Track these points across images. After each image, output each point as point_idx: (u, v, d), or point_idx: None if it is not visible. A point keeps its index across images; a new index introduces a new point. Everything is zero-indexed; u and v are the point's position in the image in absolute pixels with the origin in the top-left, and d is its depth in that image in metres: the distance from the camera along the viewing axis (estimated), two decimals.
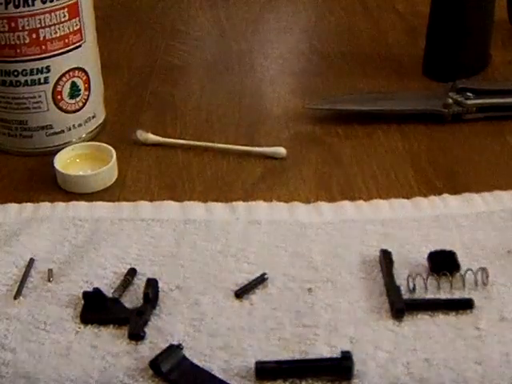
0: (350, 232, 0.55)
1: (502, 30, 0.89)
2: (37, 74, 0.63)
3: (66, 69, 0.64)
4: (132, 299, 0.49)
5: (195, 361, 0.44)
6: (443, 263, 0.50)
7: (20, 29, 0.60)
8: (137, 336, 0.45)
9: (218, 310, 0.48)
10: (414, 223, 0.55)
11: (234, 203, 0.58)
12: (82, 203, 0.59)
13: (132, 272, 0.51)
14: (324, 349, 0.44)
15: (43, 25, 0.61)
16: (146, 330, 0.46)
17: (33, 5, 0.60)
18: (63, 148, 0.64)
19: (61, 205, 0.58)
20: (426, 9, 0.78)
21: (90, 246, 0.53)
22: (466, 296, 0.48)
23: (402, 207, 0.57)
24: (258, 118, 0.72)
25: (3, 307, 0.48)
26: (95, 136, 0.69)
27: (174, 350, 0.44)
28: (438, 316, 0.47)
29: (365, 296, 0.49)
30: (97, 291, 0.47)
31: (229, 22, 0.98)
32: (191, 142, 0.66)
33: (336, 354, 0.44)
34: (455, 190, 0.59)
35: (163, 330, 0.46)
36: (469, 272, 0.49)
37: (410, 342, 0.45)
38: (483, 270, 0.49)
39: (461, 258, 0.51)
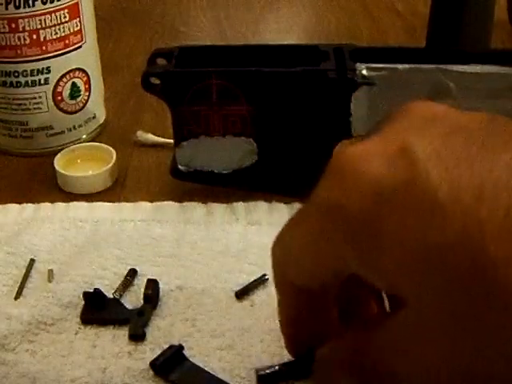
0: None
1: (502, 30, 0.89)
2: (37, 74, 0.63)
3: (67, 69, 0.64)
4: (132, 300, 0.49)
5: (195, 361, 0.44)
6: None
7: (20, 30, 0.60)
8: (137, 336, 0.45)
9: (219, 310, 0.48)
10: None
11: (234, 204, 0.58)
12: (83, 204, 0.59)
13: (132, 272, 0.51)
14: None
15: (44, 26, 0.61)
16: (146, 330, 0.46)
17: (33, 5, 0.60)
18: (64, 149, 0.64)
19: (61, 205, 0.58)
20: (426, 9, 0.78)
21: (91, 246, 0.54)
22: None
23: None
24: None
25: (3, 307, 0.48)
26: (95, 137, 0.69)
27: (175, 350, 0.44)
28: None
29: None
30: (97, 292, 0.47)
31: (229, 23, 0.98)
32: None
33: None
34: None
35: (163, 331, 0.46)
36: None
37: None
38: None
39: None
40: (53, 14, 0.61)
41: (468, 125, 0.28)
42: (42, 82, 0.63)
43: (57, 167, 0.61)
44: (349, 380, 0.33)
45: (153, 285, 0.49)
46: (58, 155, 0.63)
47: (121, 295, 0.49)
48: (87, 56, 0.66)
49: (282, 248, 0.35)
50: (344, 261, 0.30)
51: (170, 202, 0.58)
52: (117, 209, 0.58)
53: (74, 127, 0.67)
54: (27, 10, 0.60)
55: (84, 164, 0.63)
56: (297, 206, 0.57)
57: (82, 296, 0.48)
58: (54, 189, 0.61)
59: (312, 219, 0.32)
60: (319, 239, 0.31)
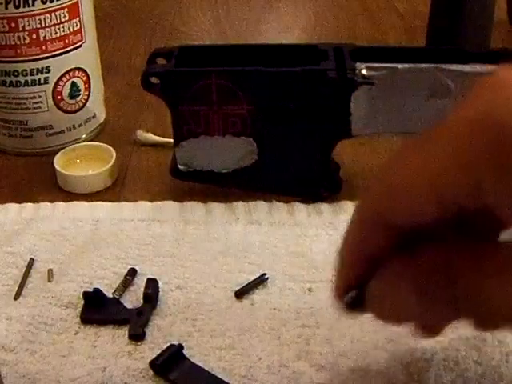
0: None
1: (502, 30, 0.89)
2: (37, 74, 0.63)
3: (66, 69, 0.64)
4: (132, 299, 0.49)
5: (195, 361, 0.44)
6: None
7: (20, 29, 0.60)
8: (137, 336, 0.45)
9: (219, 310, 0.48)
10: None
11: (233, 203, 0.58)
12: (82, 203, 0.59)
13: (132, 272, 0.51)
14: (324, 349, 0.44)
15: (43, 25, 0.61)
16: (146, 330, 0.46)
17: (33, 5, 0.60)
18: (63, 148, 0.64)
19: (61, 205, 0.58)
20: (426, 9, 0.78)
21: (90, 246, 0.54)
22: None
23: None
24: None
25: (3, 307, 0.48)
26: (95, 136, 0.69)
27: (175, 349, 0.44)
28: None
29: None
30: (97, 291, 0.47)
31: (229, 23, 0.98)
32: None
33: (336, 353, 0.44)
34: None
35: (163, 330, 0.46)
36: None
37: (409, 342, 0.45)
38: None
39: None
40: (52, 14, 0.61)
41: None
42: (42, 81, 0.63)
43: (57, 167, 0.61)
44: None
45: (152, 284, 0.49)
46: (58, 155, 0.63)
47: (120, 295, 0.49)
48: (87, 55, 0.66)
49: (390, 179, 0.32)
50: (481, 184, 0.28)
51: (170, 202, 0.58)
52: (117, 208, 0.58)
53: (74, 127, 0.67)
54: (27, 9, 0.60)
55: (84, 163, 0.63)
56: (297, 205, 0.58)
57: (81, 296, 0.48)
58: (53, 188, 0.61)
59: (454, 134, 0.29)
60: (460, 155, 0.28)
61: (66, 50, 0.63)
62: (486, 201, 0.28)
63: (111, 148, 0.63)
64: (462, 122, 0.29)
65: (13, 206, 0.58)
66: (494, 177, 0.27)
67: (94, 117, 0.69)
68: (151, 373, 0.43)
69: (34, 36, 0.61)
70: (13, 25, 0.60)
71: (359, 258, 0.35)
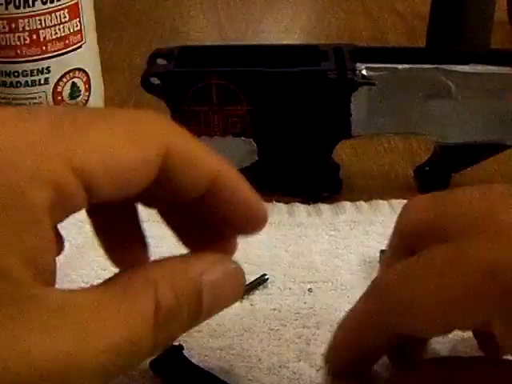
0: (350, 232, 0.55)
1: (502, 30, 0.89)
2: (37, 74, 0.63)
3: (67, 69, 0.64)
4: None
5: (195, 361, 0.44)
6: None
7: (20, 29, 0.60)
8: None
9: None
10: None
11: None
12: None
13: None
14: (324, 349, 0.44)
15: (43, 25, 0.61)
16: None
17: (33, 5, 0.60)
18: None
19: None
20: (426, 9, 0.78)
21: (90, 246, 0.53)
22: None
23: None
24: None
25: None
26: None
27: (175, 350, 0.44)
28: None
29: None
30: None
31: (229, 23, 0.98)
32: None
33: None
34: None
35: None
36: None
37: None
38: None
39: None
40: (53, 14, 0.61)
41: None
42: (42, 81, 0.63)
43: None
44: None
45: None
46: None
47: None
48: (87, 56, 0.66)
49: (401, 295, 0.35)
50: (487, 317, 0.31)
51: None
52: None
53: None
54: (27, 9, 0.60)
55: None
56: (297, 206, 0.58)
57: None
58: None
59: (463, 275, 0.32)
60: (468, 295, 0.32)
61: (66, 50, 0.63)
62: (493, 332, 0.31)
63: None
64: (474, 263, 0.31)
65: None
66: (503, 320, 0.31)
67: None
68: (151, 373, 0.43)
69: (35, 36, 0.61)
70: (13, 25, 0.60)
71: (353, 352, 0.39)
